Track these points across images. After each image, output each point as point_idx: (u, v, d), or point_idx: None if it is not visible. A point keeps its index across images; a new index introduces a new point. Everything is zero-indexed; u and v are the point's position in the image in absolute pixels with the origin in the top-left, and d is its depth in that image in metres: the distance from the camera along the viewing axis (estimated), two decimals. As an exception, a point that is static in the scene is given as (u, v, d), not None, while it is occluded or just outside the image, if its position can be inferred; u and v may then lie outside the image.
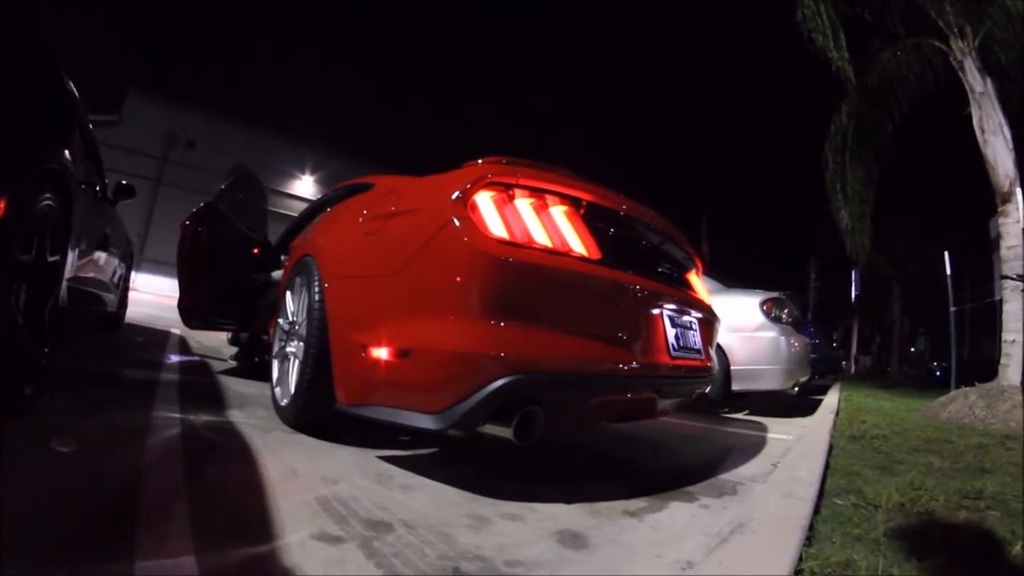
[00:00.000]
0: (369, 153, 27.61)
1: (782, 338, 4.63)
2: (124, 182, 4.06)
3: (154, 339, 5.11)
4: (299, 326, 2.30)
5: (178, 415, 2.16)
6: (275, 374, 2.48)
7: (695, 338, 2.21)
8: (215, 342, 5.48)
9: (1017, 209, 6.05)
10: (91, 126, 3.24)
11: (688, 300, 2.25)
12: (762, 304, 4.76)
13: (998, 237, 6.27)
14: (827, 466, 2.33)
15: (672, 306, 2.04)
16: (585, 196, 1.84)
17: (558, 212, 1.75)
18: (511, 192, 1.69)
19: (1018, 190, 6.14)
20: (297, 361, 2.22)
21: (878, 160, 8.73)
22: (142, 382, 2.80)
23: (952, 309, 7.34)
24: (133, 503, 1.29)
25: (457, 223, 1.60)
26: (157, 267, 16.52)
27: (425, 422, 1.60)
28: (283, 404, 2.25)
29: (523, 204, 1.69)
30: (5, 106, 1.70)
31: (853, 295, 34.17)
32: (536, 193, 1.73)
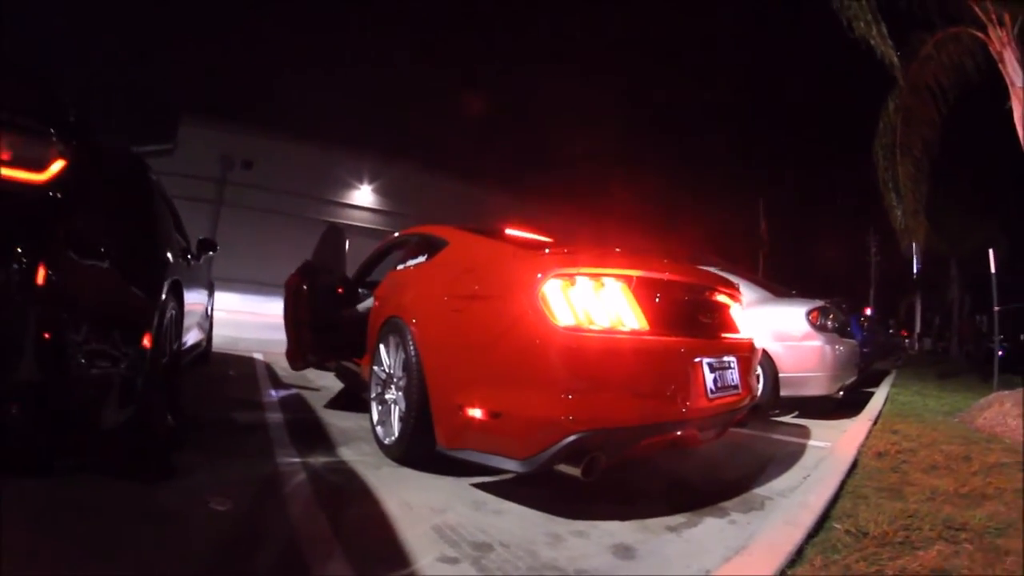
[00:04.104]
0: (425, 159, 28.33)
1: (827, 347, 4.87)
2: (204, 237, 4.59)
3: (243, 370, 5.55)
4: (397, 379, 2.75)
5: (298, 459, 2.54)
6: (375, 415, 2.94)
7: (733, 376, 2.56)
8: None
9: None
10: (169, 197, 3.62)
11: (726, 346, 2.62)
12: (808, 313, 5.00)
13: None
14: (842, 487, 2.56)
15: (711, 357, 2.41)
16: (635, 273, 2.24)
17: (612, 291, 2.15)
18: (573, 279, 2.10)
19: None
20: (398, 409, 2.68)
21: (928, 153, 8.59)
22: (253, 426, 3.18)
23: (996, 308, 7.18)
24: (299, 549, 1.67)
25: (531, 314, 2.04)
26: (224, 284, 17.52)
27: (512, 466, 2.07)
28: (387, 443, 2.72)
29: (584, 289, 2.10)
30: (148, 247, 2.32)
31: (915, 269, 33.15)
32: (594, 276, 2.14)
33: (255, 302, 17.12)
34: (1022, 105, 6.39)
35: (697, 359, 2.32)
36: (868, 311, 23.97)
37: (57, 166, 1.74)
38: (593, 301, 2.10)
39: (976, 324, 26.15)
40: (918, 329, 34.94)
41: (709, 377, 2.35)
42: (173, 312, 2.65)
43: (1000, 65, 6.76)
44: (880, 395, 6.53)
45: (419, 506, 2.09)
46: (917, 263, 32.38)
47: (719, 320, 2.75)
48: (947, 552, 1.89)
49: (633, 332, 2.13)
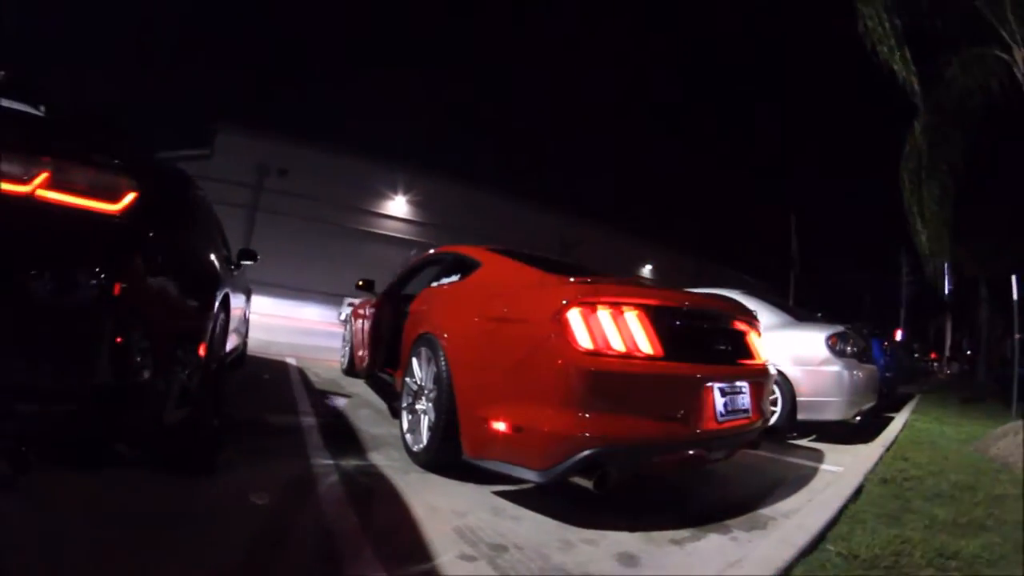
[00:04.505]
0: (459, 171, 28.89)
1: (845, 372, 4.91)
2: (245, 248, 4.85)
3: (276, 374, 5.80)
4: (428, 391, 2.95)
5: (331, 461, 2.73)
6: (405, 424, 3.14)
7: (744, 400, 2.70)
8: (330, 373, 6.31)
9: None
10: (213, 210, 3.81)
11: (739, 372, 2.76)
12: (827, 339, 5.03)
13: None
14: (843, 511, 2.66)
15: (723, 382, 2.55)
16: (652, 302, 2.41)
17: (631, 318, 2.32)
18: (594, 307, 2.28)
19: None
20: (427, 419, 2.88)
21: (954, 176, 8.43)
22: (288, 429, 3.37)
23: (1017, 336, 7.06)
24: (331, 542, 1.87)
25: (554, 338, 2.23)
26: (256, 287, 18.01)
27: (531, 476, 2.25)
28: (415, 450, 2.91)
29: (603, 317, 2.27)
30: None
31: (946, 290, 32.55)
32: (613, 305, 2.31)
33: (287, 306, 17.55)
34: (1048, 129, 6.33)
35: (709, 384, 2.47)
36: (899, 333, 23.46)
37: (129, 197, 1.97)
38: (612, 328, 2.27)
39: (1005, 348, 25.43)
40: (947, 352, 34.25)
41: (720, 401, 2.50)
42: (222, 322, 2.89)
43: (1024, 86, 6.68)
44: (899, 421, 6.53)
45: (443, 509, 2.29)
46: (949, 284, 31.69)
47: (733, 346, 2.89)
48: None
49: (647, 357, 2.29)
